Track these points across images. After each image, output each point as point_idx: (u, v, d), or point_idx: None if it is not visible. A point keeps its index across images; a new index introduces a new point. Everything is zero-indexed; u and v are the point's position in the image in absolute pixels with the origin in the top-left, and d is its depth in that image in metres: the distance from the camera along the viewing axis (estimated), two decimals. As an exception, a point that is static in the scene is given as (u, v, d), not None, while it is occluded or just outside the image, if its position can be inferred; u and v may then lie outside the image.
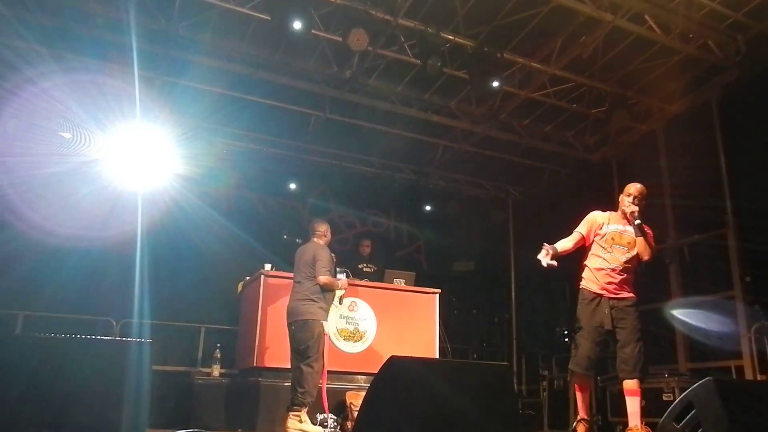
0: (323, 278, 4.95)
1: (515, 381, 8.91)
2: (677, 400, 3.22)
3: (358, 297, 6.06)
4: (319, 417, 4.93)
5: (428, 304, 6.42)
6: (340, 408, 5.28)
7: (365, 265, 7.04)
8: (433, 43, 6.21)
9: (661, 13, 6.11)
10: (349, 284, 5.52)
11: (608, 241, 4.13)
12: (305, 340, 4.81)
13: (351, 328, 6.01)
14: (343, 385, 5.62)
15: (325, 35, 6.41)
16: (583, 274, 4.23)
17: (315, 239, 5.24)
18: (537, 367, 8.61)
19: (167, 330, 7.29)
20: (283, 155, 8.65)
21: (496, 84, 6.52)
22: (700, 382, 3.10)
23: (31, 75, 5.78)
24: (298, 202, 8.88)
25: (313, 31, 5.94)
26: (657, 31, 6.33)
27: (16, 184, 5.97)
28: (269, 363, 5.51)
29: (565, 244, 4.15)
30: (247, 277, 6.41)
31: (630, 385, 3.95)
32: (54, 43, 6.06)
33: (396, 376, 2.68)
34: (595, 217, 4.22)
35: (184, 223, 7.25)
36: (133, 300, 6.20)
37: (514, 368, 9.16)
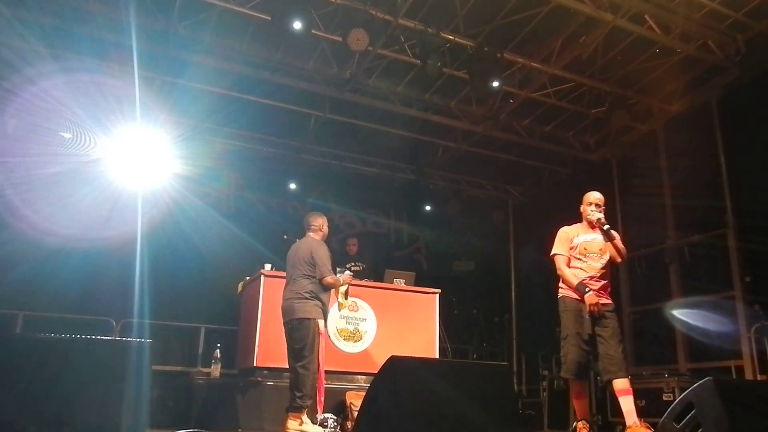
0: (329, 278, 4.82)
1: (515, 381, 8.91)
2: (677, 400, 3.23)
3: (358, 297, 6.06)
4: (319, 417, 4.88)
5: (428, 304, 6.43)
6: (340, 408, 5.25)
7: (353, 264, 7.02)
8: (433, 43, 6.21)
9: (661, 13, 6.11)
10: (350, 285, 5.46)
11: (581, 251, 4.30)
12: (302, 339, 4.70)
13: (351, 328, 6.01)
14: (343, 385, 5.62)
15: (325, 35, 6.41)
16: (561, 284, 4.38)
17: (311, 234, 5.03)
18: (537, 367, 8.58)
19: (167, 330, 7.30)
20: (283, 155, 8.66)
21: (496, 84, 6.51)
22: (700, 382, 3.11)
23: (31, 75, 5.77)
24: (298, 202, 8.85)
25: (313, 31, 5.94)
26: (657, 31, 6.33)
27: (16, 184, 5.97)
28: (269, 363, 5.51)
29: (573, 276, 4.24)
30: (247, 277, 6.41)
31: (621, 384, 4.02)
32: (54, 43, 6.06)
33: (396, 376, 2.68)
34: (566, 232, 4.39)
35: (184, 224, 7.26)
36: (133, 300, 6.19)
37: (514, 368, 9.16)
